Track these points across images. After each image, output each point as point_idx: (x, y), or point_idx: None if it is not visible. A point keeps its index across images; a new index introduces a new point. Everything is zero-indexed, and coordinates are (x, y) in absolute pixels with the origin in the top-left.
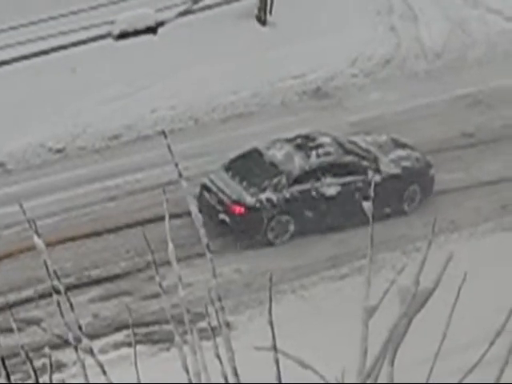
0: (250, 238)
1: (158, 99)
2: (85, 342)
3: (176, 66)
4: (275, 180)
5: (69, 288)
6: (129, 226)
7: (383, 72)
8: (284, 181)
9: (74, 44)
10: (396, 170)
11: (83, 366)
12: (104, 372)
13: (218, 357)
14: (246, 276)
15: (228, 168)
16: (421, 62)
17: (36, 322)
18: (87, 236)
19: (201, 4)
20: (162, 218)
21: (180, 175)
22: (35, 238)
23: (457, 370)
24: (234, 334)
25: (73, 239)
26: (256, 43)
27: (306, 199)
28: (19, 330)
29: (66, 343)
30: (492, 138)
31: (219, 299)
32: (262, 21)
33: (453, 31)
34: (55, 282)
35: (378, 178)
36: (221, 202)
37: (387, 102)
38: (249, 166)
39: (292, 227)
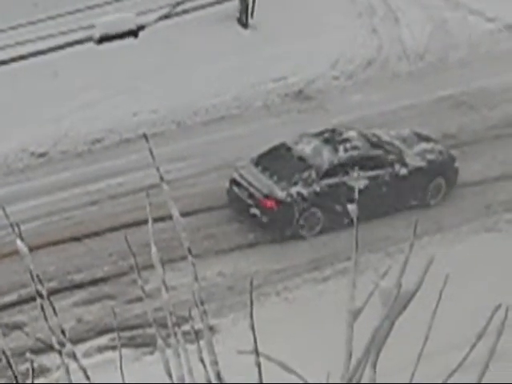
0: (281, 231)
1: (140, 102)
2: (68, 346)
3: (157, 70)
4: (305, 174)
5: (52, 292)
6: (112, 229)
7: (365, 74)
8: (314, 175)
9: (55, 48)
10: (422, 163)
11: (67, 371)
12: (87, 377)
13: (202, 360)
14: (229, 279)
15: (257, 163)
16: (403, 64)
17: (19, 326)
18: (70, 240)
19: (182, 7)
20: (144, 222)
21: (161, 179)
22: (18, 242)
23: (439, 373)
24: (218, 337)
25: (56, 243)
26: (238, 46)
27: (335, 193)
28: (3, 334)
29: (50, 348)
30: (474, 138)
31: (202, 303)
32: (244, 24)
33: (434, 32)
34: (38, 287)
35: (404, 170)
36: (252, 196)
37: (369, 104)
38: (278, 160)
39: (322, 220)
